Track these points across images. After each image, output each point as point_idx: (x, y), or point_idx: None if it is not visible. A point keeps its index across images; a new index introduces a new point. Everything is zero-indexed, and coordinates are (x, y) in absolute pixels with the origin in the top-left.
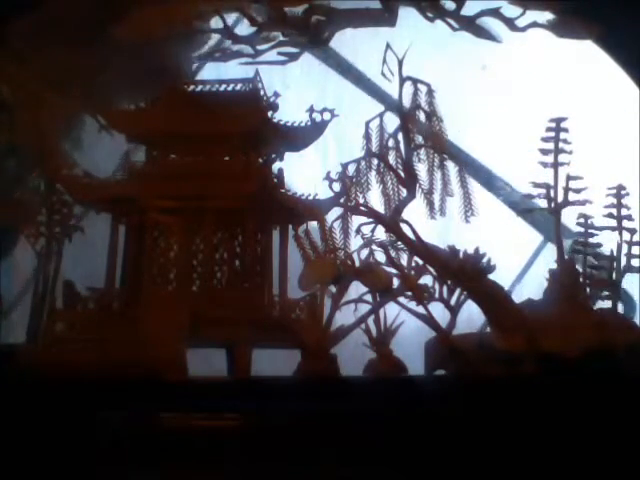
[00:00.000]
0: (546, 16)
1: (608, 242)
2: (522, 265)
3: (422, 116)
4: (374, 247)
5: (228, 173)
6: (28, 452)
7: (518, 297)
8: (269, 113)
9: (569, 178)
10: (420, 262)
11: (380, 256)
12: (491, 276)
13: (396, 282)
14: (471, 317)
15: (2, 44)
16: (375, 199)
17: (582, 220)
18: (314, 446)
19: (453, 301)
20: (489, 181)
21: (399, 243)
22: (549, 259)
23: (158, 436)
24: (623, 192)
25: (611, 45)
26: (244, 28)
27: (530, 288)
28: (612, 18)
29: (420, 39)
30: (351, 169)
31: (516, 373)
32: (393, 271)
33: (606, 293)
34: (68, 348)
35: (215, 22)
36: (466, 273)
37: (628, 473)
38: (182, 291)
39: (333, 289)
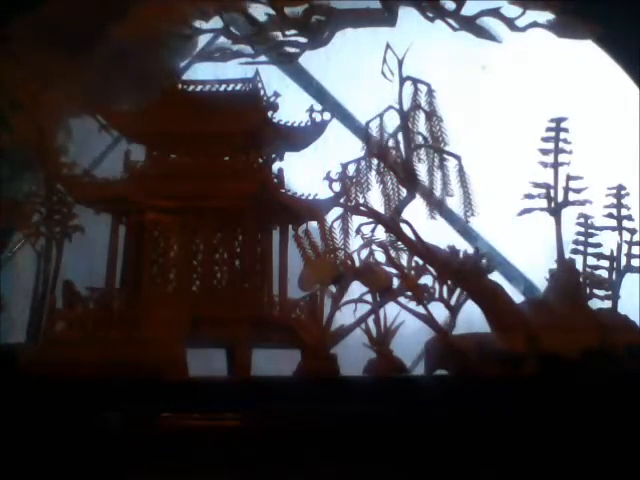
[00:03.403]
0: (546, 16)
1: (608, 242)
2: None
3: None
4: (374, 247)
5: (228, 173)
6: (28, 451)
7: None
8: (269, 113)
9: (569, 178)
10: (420, 262)
11: (380, 256)
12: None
13: (396, 282)
14: (471, 317)
15: (2, 44)
16: (375, 199)
17: (582, 220)
18: (314, 446)
19: (453, 301)
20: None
21: (399, 243)
22: None
23: (158, 436)
24: (623, 192)
25: (611, 45)
26: (244, 28)
27: None
28: (612, 18)
29: (420, 39)
30: (351, 169)
31: (516, 373)
32: (393, 271)
33: (606, 293)
34: (68, 348)
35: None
36: (466, 273)
37: (628, 473)
38: (182, 291)
39: (333, 289)
